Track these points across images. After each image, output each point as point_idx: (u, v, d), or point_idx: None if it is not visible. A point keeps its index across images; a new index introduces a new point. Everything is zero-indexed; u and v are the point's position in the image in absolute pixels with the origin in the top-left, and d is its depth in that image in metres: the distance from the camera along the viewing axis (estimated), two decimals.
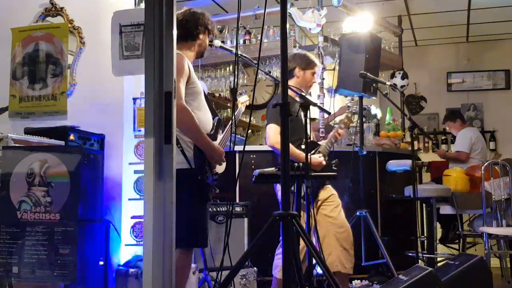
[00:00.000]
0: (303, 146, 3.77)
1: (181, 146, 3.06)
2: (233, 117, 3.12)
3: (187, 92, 3.14)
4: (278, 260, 3.73)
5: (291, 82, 3.98)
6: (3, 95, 3.66)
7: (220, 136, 3.43)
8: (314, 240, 3.26)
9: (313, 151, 3.84)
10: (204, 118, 3.26)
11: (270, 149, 3.84)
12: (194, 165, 3.10)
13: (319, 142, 4.04)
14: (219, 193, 3.32)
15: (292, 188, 3.22)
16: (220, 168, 3.40)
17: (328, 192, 3.88)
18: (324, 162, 3.81)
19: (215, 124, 3.34)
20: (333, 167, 3.84)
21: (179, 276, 2.96)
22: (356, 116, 4.78)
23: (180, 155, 3.04)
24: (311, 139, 3.94)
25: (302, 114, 3.88)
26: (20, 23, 3.89)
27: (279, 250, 3.73)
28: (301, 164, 3.18)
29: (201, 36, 3.33)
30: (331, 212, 3.79)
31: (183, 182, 2.92)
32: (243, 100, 4.02)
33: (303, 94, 3.39)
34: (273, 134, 3.69)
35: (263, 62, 5.91)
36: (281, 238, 2.63)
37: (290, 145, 3.62)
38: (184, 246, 3.11)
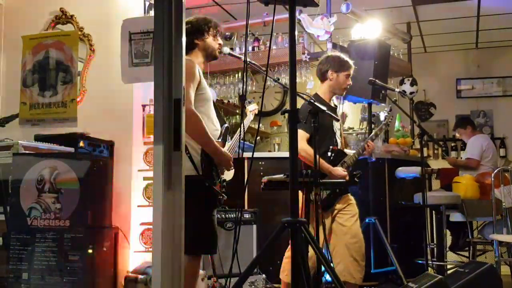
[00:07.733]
0: (329, 154, 3.74)
1: (189, 153, 3.07)
2: (242, 124, 3.11)
3: (196, 98, 3.16)
4: (286, 265, 3.70)
5: (324, 85, 3.96)
6: (13, 102, 3.68)
7: (228, 144, 3.43)
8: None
9: (340, 161, 3.80)
10: (212, 124, 3.27)
11: (278, 155, 3.82)
12: (202, 171, 3.11)
13: (346, 151, 3.97)
14: (228, 200, 3.32)
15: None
16: (229, 175, 3.40)
17: (346, 201, 3.84)
18: (347, 177, 3.76)
19: (223, 132, 3.35)
20: (355, 179, 3.80)
21: (188, 282, 2.96)
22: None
23: (188, 162, 3.05)
24: (340, 147, 3.89)
25: (334, 122, 3.85)
26: (30, 31, 3.92)
27: (288, 253, 3.70)
28: (309, 171, 3.15)
29: (197, 42, 3.34)
30: (346, 221, 3.76)
31: (190, 189, 2.94)
32: (251, 108, 4.01)
33: (312, 101, 3.35)
34: (299, 139, 3.58)
35: (272, 69, 5.90)
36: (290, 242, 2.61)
37: (319, 157, 3.60)
38: (193, 253, 3.12)
